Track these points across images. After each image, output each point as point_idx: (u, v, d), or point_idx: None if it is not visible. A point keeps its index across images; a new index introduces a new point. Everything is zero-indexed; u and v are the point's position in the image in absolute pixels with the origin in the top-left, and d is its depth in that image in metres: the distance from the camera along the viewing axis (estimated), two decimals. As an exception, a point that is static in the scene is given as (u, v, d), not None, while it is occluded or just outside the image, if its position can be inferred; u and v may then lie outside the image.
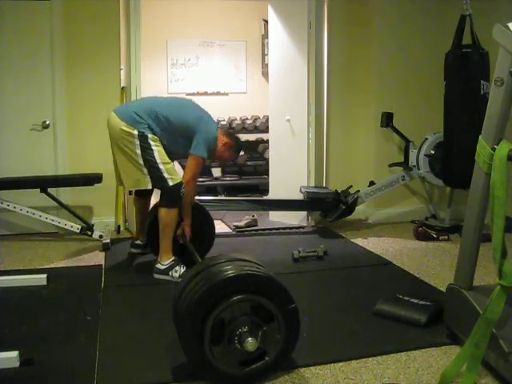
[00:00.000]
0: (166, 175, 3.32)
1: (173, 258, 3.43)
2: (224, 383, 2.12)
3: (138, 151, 3.32)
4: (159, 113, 3.40)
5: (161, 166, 3.33)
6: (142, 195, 3.78)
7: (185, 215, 3.51)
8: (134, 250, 3.95)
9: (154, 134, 3.37)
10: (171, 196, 3.35)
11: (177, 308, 2.22)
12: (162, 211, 3.37)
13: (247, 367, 2.11)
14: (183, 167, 3.68)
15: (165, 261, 3.41)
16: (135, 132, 3.32)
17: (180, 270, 3.39)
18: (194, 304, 2.06)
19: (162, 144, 3.40)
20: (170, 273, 3.38)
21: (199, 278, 2.18)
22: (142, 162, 3.32)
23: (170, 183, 3.33)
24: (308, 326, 2.63)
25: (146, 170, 3.33)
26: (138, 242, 3.95)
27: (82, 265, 3.83)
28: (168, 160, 3.40)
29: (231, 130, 7.00)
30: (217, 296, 2.05)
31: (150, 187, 3.40)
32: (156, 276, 3.41)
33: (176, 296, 2.26)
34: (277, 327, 2.13)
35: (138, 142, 3.32)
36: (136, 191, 3.75)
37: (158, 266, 3.42)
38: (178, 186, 3.35)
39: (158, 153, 3.35)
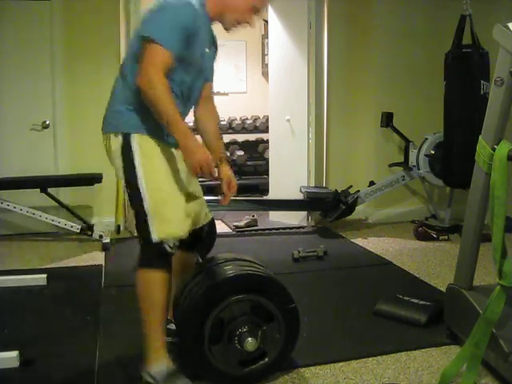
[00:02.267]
0: (150, 219, 1.99)
1: (167, 366, 2.04)
2: (223, 383, 2.12)
3: (120, 163, 2.05)
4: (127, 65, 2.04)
5: (145, 196, 1.98)
6: (187, 244, 2.19)
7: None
8: (168, 339, 2.18)
9: (144, 127, 1.99)
10: (153, 250, 2.02)
11: (177, 307, 2.22)
12: (140, 276, 2.04)
13: (247, 367, 2.11)
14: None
15: (154, 367, 2.03)
16: (117, 142, 2.04)
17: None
18: (193, 303, 2.06)
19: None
20: None
21: (199, 277, 2.18)
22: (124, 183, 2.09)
23: (154, 236, 1.98)
24: (308, 326, 2.63)
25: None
26: (171, 326, 2.35)
27: (81, 265, 3.83)
28: (168, 182, 2.04)
29: (231, 130, 7.02)
30: (216, 296, 2.05)
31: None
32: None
33: (176, 295, 2.26)
34: (277, 327, 2.13)
35: (119, 152, 2.05)
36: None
37: (144, 375, 2.05)
38: (164, 243, 2.00)
39: (144, 168, 1.99)
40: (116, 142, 2.04)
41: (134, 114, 2.01)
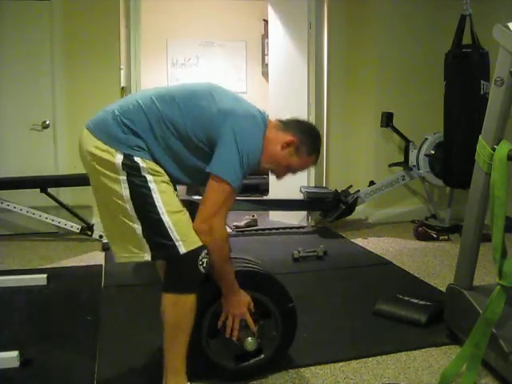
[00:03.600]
0: (174, 235, 1.81)
1: None
2: (219, 376, 2.13)
3: (126, 193, 1.82)
4: (163, 114, 1.88)
5: (166, 219, 1.82)
6: None
7: (223, 286, 1.98)
8: None
9: (152, 156, 1.87)
10: (184, 271, 1.84)
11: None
12: (168, 301, 1.87)
13: (243, 362, 2.13)
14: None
15: None
16: (117, 158, 1.82)
17: None
18: None
19: (166, 171, 1.91)
20: None
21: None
22: (132, 212, 1.83)
23: (182, 249, 1.81)
24: (308, 325, 2.63)
25: (139, 228, 1.83)
26: None
27: (82, 265, 3.83)
28: (179, 206, 1.89)
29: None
30: (215, 291, 2.06)
31: (147, 259, 1.85)
32: None
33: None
34: (273, 324, 2.14)
35: (123, 177, 1.82)
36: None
37: None
38: (196, 252, 1.82)
39: (161, 194, 1.83)
40: (111, 153, 1.84)
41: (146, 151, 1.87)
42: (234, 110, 1.98)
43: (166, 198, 1.84)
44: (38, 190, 4.29)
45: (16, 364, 2.23)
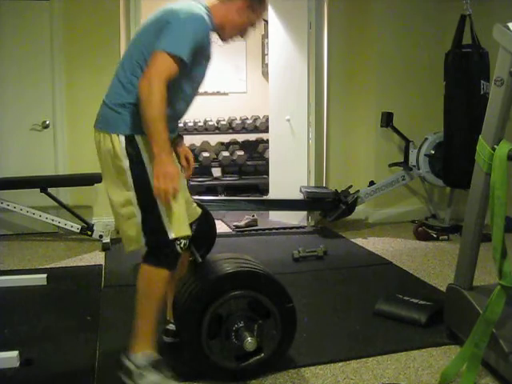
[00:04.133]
0: (165, 221, 2.01)
1: (150, 354, 2.06)
2: (220, 377, 2.14)
3: (126, 164, 2.02)
4: (132, 61, 2.07)
5: (159, 205, 2.00)
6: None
7: (155, 144, 1.95)
8: (168, 339, 2.47)
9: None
10: (163, 249, 2.04)
11: (176, 303, 2.23)
12: (144, 271, 2.06)
13: (243, 362, 2.13)
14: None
15: (138, 355, 2.05)
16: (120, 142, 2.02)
17: (155, 379, 2.00)
18: (192, 299, 2.09)
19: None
20: (137, 380, 2.01)
21: (198, 274, 2.21)
22: (134, 198, 2.03)
23: (172, 235, 2.01)
24: (308, 325, 2.63)
25: (136, 207, 2.04)
26: (171, 326, 2.48)
27: (81, 265, 3.83)
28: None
29: (231, 129, 7.02)
30: (215, 291, 2.07)
31: (142, 244, 2.06)
32: (123, 377, 2.05)
33: (176, 292, 2.28)
34: (273, 324, 2.15)
35: (124, 153, 2.01)
36: None
37: (125, 362, 2.05)
38: (181, 240, 2.04)
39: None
40: (120, 142, 2.03)
41: (137, 116, 2.00)
42: (171, 8, 2.06)
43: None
44: (38, 189, 4.30)
45: (16, 364, 2.23)
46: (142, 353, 2.05)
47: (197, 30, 2.03)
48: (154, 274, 2.05)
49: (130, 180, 2.03)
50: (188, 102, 2.20)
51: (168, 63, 1.94)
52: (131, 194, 2.04)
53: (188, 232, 2.07)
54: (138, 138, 2.02)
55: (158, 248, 2.05)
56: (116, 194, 2.10)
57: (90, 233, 4.38)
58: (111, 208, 2.17)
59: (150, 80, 1.92)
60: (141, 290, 2.08)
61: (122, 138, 2.02)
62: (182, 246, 2.04)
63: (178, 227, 2.03)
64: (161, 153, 1.93)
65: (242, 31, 2.28)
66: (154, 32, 2.04)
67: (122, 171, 2.04)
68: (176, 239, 2.02)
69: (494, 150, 2.12)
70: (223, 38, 2.30)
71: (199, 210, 2.44)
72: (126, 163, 2.02)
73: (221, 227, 4.90)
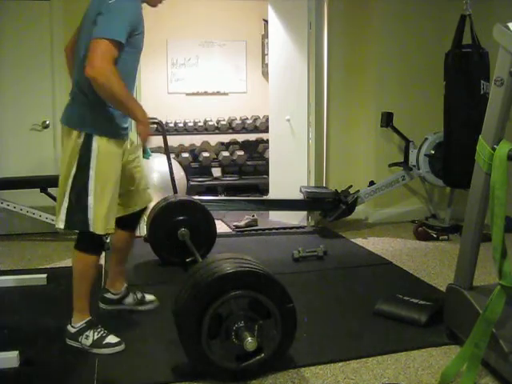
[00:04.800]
0: (90, 214, 2.35)
1: (87, 319, 2.50)
2: (221, 377, 2.14)
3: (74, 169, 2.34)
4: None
5: (91, 193, 2.33)
6: (126, 225, 2.75)
7: (127, 110, 2.31)
8: (104, 307, 2.91)
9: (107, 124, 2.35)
10: (90, 239, 2.45)
11: (177, 303, 2.24)
12: (77, 257, 2.50)
13: (244, 362, 2.13)
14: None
15: (76, 322, 2.49)
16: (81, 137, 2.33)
17: (93, 335, 2.44)
18: (192, 298, 2.09)
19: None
20: (80, 339, 2.44)
21: (198, 274, 2.20)
22: (70, 181, 2.35)
23: (93, 229, 2.38)
24: (308, 326, 2.63)
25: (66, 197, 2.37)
26: (108, 295, 2.92)
27: (82, 265, 3.82)
28: (112, 184, 2.40)
29: (231, 129, 7.02)
30: (215, 291, 2.07)
31: (60, 227, 2.43)
32: (68, 342, 2.49)
33: (177, 292, 2.28)
34: (273, 324, 2.15)
35: (78, 148, 2.33)
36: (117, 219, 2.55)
37: (69, 328, 2.50)
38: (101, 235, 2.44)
39: (97, 170, 2.32)
40: (78, 138, 2.32)
41: (96, 115, 2.33)
42: None
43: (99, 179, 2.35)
44: (38, 189, 4.30)
45: (16, 364, 2.23)
46: (80, 319, 2.49)
47: (128, 11, 2.24)
48: (87, 259, 2.49)
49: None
50: (136, 70, 2.48)
51: (108, 46, 2.15)
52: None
53: (111, 228, 2.45)
54: (95, 138, 2.32)
55: (85, 236, 2.44)
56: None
57: (90, 233, 4.37)
58: None
59: (98, 64, 2.12)
60: (77, 272, 2.50)
61: (80, 135, 2.33)
62: (106, 238, 2.53)
63: (102, 225, 2.38)
64: (136, 112, 2.27)
65: None
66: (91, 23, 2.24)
67: None
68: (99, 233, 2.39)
69: (494, 150, 2.12)
70: (153, 4, 2.54)
71: (150, 198, 2.85)
72: (75, 156, 2.34)
73: (221, 227, 4.90)
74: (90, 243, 2.46)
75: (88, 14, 2.35)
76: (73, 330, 2.48)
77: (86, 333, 2.45)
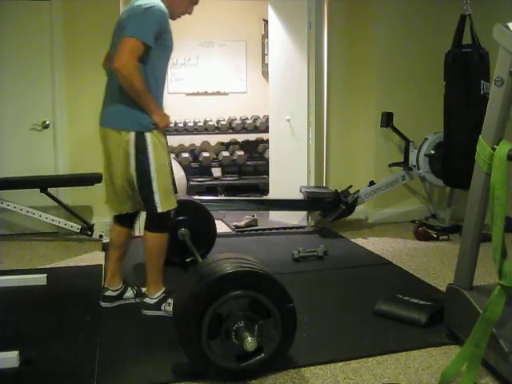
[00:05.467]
0: (156, 198, 2.67)
1: (163, 288, 2.82)
2: (221, 377, 2.14)
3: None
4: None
5: (153, 184, 2.66)
6: (125, 222, 2.97)
7: (146, 105, 2.61)
8: (106, 305, 2.96)
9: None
10: (160, 220, 2.74)
11: (176, 303, 2.24)
12: (148, 236, 2.75)
13: (244, 362, 2.13)
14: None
15: (154, 293, 2.80)
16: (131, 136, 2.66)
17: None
18: (192, 299, 2.09)
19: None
20: (163, 307, 2.77)
21: (198, 274, 2.21)
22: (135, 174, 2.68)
23: (159, 210, 2.69)
24: (308, 325, 2.63)
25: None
26: (108, 292, 2.98)
27: (81, 265, 3.83)
28: (167, 169, 2.75)
29: (231, 129, 7.02)
30: (215, 291, 2.07)
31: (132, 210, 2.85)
32: (145, 313, 2.80)
33: (177, 292, 2.29)
34: (273, 324, 2.14)
35: (133, 144, 2.65)
36: (117, 216, 2.95)
37: (147, 300, 2.81)
38: (169, 212, 2.74)
39: (155, 159, 2.65)
40: (129, 138, 2.63)
41: (144, 114, 2.61)
42: (132, 4, 2.62)
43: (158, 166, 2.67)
44: (38, 189, 4.30)
45: (16, 364, 2.23)
46: (157, 289, 2.79)
47: (156, 16, 2.52)
48: (158, 237, 2.74)
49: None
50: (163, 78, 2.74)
51: (134, 44, 2.46)
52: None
53: (174, 205, 2.75)
54: (147, 134, 2.63)
55: (154, 219, 2.70)
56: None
57: (89, 233, 4.38)
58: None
59: (124, 59, 2.44)
60: (151, 251, 2.75)
61: (129, 133, 2.65)
62: (172, 215, 2.75)
63: (166, 204, 2.69)
64: (152, 107, 2.60)
65: (185, 9, 2.81)
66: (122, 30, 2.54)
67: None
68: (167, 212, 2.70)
69: (494, 149, 2.12)
70: (171, 17, 2.72)
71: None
72: (132, 153, 2.66)
73: (221, 227, 4.90)
74: (160, 223, 2.73)
75: (119, 23, 2.66)
76: (153, 301, 2.78)
77: (168, 300, 2.75)
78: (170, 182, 2.78)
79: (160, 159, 2.66)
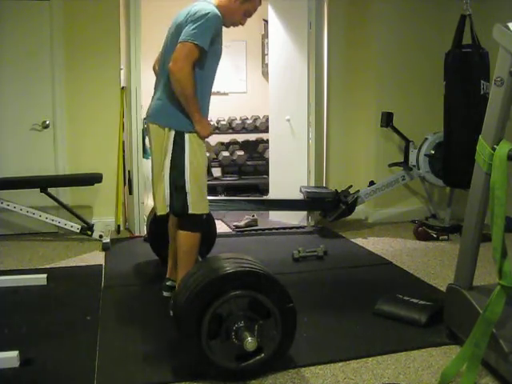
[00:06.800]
0: (189, 199, 2.72)
1: None
2: (221, 377, 2.14)
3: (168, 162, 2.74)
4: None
5: (187, 185, 2.71)
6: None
7: (193, 113, 2.70)
8: (167, 294, 3.00)
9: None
10: (192, 221, 2.78)
11: (176, 302, 2.24)
12: (181, 235, 2.78)
13: (244, 362, 2.13)
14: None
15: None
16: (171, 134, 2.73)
17: None
18: (192, 298, 2.09)
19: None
20: None
21: (198, 274, 2.20)
22: (167, 175, 2.75)
23: (190, 211, 2.74)
24: (308, 326, 2.63)
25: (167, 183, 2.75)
26: (169, 282, 3.03)
27: (81, 265, 3.83)
28: (204, 173, 2.79)
29: (231, 129, 7.02)
30: (215, 291, 2.07)
31: (163, 213, 2.83)
32: (165, 294, 2.96)
33: (177, 292, 2.29)
34: (273, 324, 2.15)
35: (172, 141, 2.73)
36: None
37: (169, 283, 2.98)
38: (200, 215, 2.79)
39: (190, 160, 2.71)
40: (170, 135, 2.72)
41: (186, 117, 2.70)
42: (189, 10, 2.71)
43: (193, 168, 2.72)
44: (38, 189, 4.30)
45: (16, 364, 2.23)
46: None
47: (212, 22, 2.62)
48: (191, 237, 2.78)
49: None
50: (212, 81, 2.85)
51: (192, 48, 2.56)
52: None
53: (206, 210, 2.81)
54: (187, 135, 2.71)
55: (187, 220, 2.75)
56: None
57: (90, 233, 4.38)
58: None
59: (179, 63, 2.55)
60: (183, 249, 2.78)
61: (170, 131, 2.74)
62: (204, 217, 2.81)
63: (198, 206, 2.74)
64: (199, 116, 2.69)
65: (239, 19, 2.89)
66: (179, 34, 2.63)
67: None
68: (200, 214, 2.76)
69: (494, 149, 2.12)
70: (225, 25, 2.83)
71: None
72: (170, 149, 2.74)
73: (221, 227, 4.90)
74: (193, 223, 2.77)
75: (175, 27, 2.74)
76: (175, 285, 2.84)
77: None
78: (205, 185, 2.81)
79: (195, 160, 2.72)
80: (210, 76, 2.81)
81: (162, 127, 2.75)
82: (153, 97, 2.89)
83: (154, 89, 2.92)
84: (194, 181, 2.71)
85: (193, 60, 2.58)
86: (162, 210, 2.83)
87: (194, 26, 2.59)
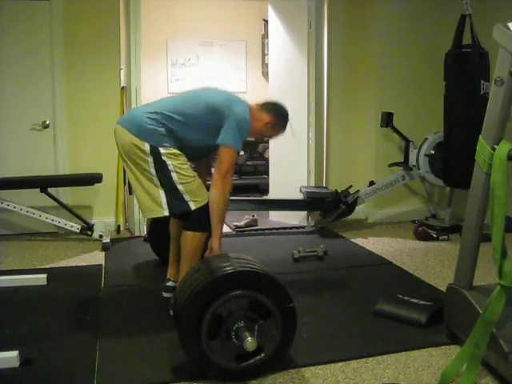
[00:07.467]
0: (186, 197, 2.71)
1: None
2: (221, 377, 2.14)
3: (153, 170, 2.71)
4: (175, 109, 2.78)
5: (180, 187, 2.70)
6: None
7: (217, 229, 2.75)
8: (167, 295, 3.00)
9: (170, 143, 2.73)
10: (196, 218, 2.74)
11: (176, 302, 2.24)
12: (186, 236, 2.76)
13: (244, 362, 2.13)
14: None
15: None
16: (146, 147, 2.69)
17: None
18: (192, 298, 2.09)
19: (185, 148, 2.78)
20: None
21: (198, 274, 2.20)
22: (157, 182, 2.71)
23: (192, 207, 2.71)
24: (308, 325, 2.63)
25: (162, 192, 2.72)
26: (170, 283, 3.04)
27: (82, 265, 3.83)
28: (190, 177, 2.74)
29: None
30: (215, 291, 2.07)
31: (166, 214, 2.74)
32: (165, 295, 2.97)
33: (177, 292, 2.29)
34: (273, 324, 2.14)
35: (151, 159, 2.70)
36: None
37: (170, 284, 2.99)
38: (203, 208, 2.73)
39: (176, 172, 2.71)
40: (142, 144, 2.71)
41: (167, 137, 2.73)
42: (229, 98, 2.97)
43: (179, 174, 2.70)
44: (38, 189, 4.30)
45: (16, 364, 2.23)
46: None
47: (246, 132, 2.82)
48: (196, 236, 2.76)
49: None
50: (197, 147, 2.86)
51: (234, 157, 2.76)
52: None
53: (206, 199, 2.73)
54: (162, 150, 2.71)
55: (189, 219, 2.74)
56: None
57: (90, 233, 4.38)
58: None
59: (226, 179, 2.71)
60: (188, 249, 2.75)
61: (148, 147, 2.72)
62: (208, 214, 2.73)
63: (196, 199, 2.72)
64: (217, 237, 2.74)
65: (261, 137, 3.23)
66: (215, 119, 2.77)
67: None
68: (198, 209, 2.71)
69: (494, 149, 2.12)
70: (250, 135, 2.92)
71: None
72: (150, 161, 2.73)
73: (221, 227, 4.89)
74: (196, 222, 2.75)
75: (204, 105, 2.82)
76: (175, 285, 2.89)
77: None
78: (195, 179, 2.77)
79: (179, 169, 2.73)
80: (189, 143, 2.80)
81: (140, 140, 2.69)
82: (144, 106, 2.92)
83: (150, 104, 2.91)
84: (185, 184, 2.71)
85: (233, 166, 2.78)
86: (163, 212, 2.75)
87: (235, 130, 2.73)
